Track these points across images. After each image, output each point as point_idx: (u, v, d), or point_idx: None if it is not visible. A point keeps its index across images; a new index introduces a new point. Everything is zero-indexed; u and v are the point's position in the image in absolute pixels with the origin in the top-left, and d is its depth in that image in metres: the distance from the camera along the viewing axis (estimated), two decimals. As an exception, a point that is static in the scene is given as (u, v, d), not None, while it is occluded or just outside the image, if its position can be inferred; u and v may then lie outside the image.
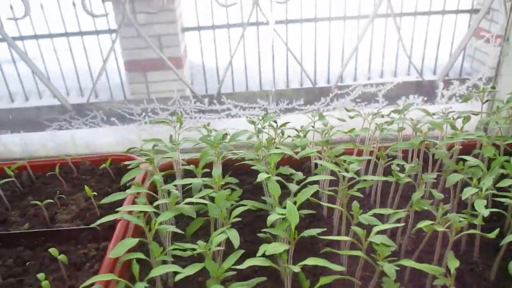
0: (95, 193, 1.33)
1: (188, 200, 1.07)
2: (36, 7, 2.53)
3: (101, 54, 3.01)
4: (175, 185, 1.16)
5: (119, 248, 0.90)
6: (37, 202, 1.31)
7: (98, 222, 1.04)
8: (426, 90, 2.16)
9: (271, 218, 0.96)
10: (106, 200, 1.11)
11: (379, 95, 2.11)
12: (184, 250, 0.94)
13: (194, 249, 0.94)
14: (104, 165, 1.52)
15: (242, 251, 0.96)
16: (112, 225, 1.28)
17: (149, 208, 1.03)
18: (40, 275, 1.02)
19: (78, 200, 1.43)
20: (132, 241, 0.92)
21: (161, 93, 3.08)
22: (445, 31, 2.92)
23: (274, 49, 2.61)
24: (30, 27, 2.79)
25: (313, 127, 1.48)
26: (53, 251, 1.10)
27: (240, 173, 1.50)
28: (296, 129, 1.46)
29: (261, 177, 1.09)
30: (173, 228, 0.99)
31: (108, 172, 1.58)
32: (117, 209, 1.06)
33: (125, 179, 1.18)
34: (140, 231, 1.30)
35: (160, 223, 0.99)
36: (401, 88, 2.18)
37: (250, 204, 1.12)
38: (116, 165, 1.60)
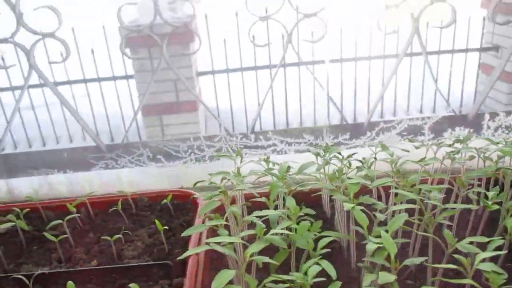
0: (165, 227, 1.31)
1: (273, 231, 1.05)
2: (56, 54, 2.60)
3: (118, 98, 3.06)
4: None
5: (220, 280, 0.86)
6: (107, 237, 1.29)
7: (184, 255, 1.01)
8: (472, 123, 2.15)
9: (370, 247, 0.92)
10: (186, 232, 1.09)
11: (425, 128, 2.10)
12: (283, 282, 0.90)
13: (292, 281, 0.91)
14: (165, 200, 1.51)
15: (339, 283, 0.93)
16: (181, 261, 1.25)
17: (237, 240, 1.01)
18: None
19: (142, 236, 1.40)
20: (230, 273, 0.89)
21: (178, 136, 3.12)
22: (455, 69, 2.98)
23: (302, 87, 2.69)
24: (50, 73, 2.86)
25: (375, 158, 1.47)
26: (133, 286, 1.07)
27: (309, 205, 1.47)
28: (360, 160, 1.44)
29: (347, 206, 1.07)
30: (266, 259, 0.96)
31: (168, 208, 1.56)
32: (206, 241, 1.02)
33: (202, 211, 1.16)
34: (216, 265, 1.27)
35: (251, 255, 0.96)
36: (443, 122, 2.18)
37: (334, 234, 1.09)
38: (173, 200, 1.59)
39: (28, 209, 1.47)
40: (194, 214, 1.51)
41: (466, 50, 2.94)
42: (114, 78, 3.15)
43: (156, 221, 1.30)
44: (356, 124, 2.28)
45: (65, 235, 1.33)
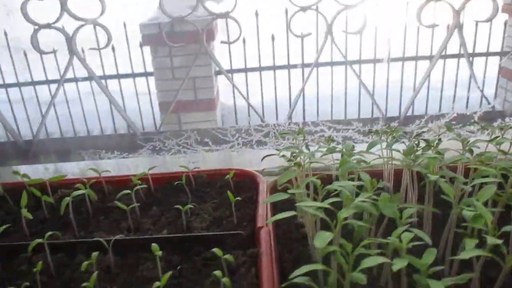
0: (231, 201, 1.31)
1: (358, 199, 1.04)
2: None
3: (136, 95, 3.08)
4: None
5: (322, 239, 0.86)
6: (178, 206, 1.29)
7: (273, 219, 1.01)
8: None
9: (468, 214, 0.92)
10: (268, 200, 1.09)
11: (475, 117, 2.09)
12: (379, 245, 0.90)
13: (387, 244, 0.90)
14: (228, 176, 1.51)
15: (435, 249, 0.92)
16: (250, 234, 1.25)
17: (324, 205, 1.00)
18: (218, 273, 0.99)
19: (206, 210, 1.40)
20: (328, 235, 0.89)
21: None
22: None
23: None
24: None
25: (439, 139, 1.46)
26: (217, 251, 1.08)
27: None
28: (425, 140, 1.43)
29: (432, 177, 1.06)
30: (360, 223, 0.96)
31: (227, 185, 1.56)
32: (296, 204, 1.02)
33: (282, 180, 1.15)
34: (284, 239, 1.27)
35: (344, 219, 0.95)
36: (485, 116, 2.17)
37: (418, 207, 1.08)
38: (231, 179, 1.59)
39: (94, 180, 1.48)
40: (255, 191, 1.51)
41: (487, 54, 2.93)
42: (134, 75, 3.17)
43: (229, 192, 1.30)
44: (395, 116, 2.30)
45: (137, 204, 1.34)
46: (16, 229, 1.36)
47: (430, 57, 2.82)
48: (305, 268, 0.83)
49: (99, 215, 1.43)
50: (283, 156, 1.31)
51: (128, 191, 1.38)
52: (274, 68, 2.94)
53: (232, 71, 3.06)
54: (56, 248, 1.19)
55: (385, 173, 1.50)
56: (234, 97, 3.08)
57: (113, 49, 2.89)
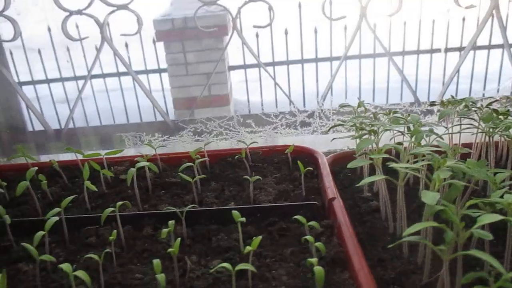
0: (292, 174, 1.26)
1: (448, 163, 0.99)
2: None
3: (150, 92, 3.02)
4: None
5: (430, 197, 0.81)
6: (247, 177, 1.25)
7: (364, 181, 0.96)
8: None
9: None
10: (353, 164, 1.04)
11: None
12: (484, 204, 0.85)
13: (496, 203, 0.85)
14: (287, 150, 1.47)
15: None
16: (320, 206, 1.21)
17: (417, 166, 0.95)
18: (309, 238, 0.94)
19: (268, 184, 1.35)
20: (436, 194, 0.83)
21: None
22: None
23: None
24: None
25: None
26: (300, 218, 1.03)
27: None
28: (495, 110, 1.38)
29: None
30: (460, 183, 0.91)
31: (284, 161, 1.52)
32: (394, 165, 0.97)
33: (360, 146, 1.10)
34: (354, 211, 1.22)
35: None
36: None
37: (509, 171, 1.03)
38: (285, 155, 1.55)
39: (149, 157, 1.44)
40: (314, 166, 1.46)
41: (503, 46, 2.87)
42: (147, 71, 3.12)
43: (300, 164, 1.26)
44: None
45: (202, 176, 1.29)
46: (74, 204, 1.33)
47: (460, 49, 2.77)
48: (418, 226, 0.78)
49: (158, 190, 1.39)
50: (354, 125, 1.26)
51: (190, 164, 1.33)
52: (302, 61, 2.89)
53: (245, 66, 3.01)
54: (122, 221, 1.15)
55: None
56: (247, 92, 3.03)
57: (126, 45, 2.86)
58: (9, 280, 1.01)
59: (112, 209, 1.07)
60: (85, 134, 2.66)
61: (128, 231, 1.16)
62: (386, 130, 1.20)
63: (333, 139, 1.45)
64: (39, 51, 3.02)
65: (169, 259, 1.05)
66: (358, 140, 1.28)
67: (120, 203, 1.10)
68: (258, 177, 1.26)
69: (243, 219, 1.02)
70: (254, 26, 2.79)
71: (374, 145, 1.18)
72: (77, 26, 2.47)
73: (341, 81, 2.88)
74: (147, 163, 1.28)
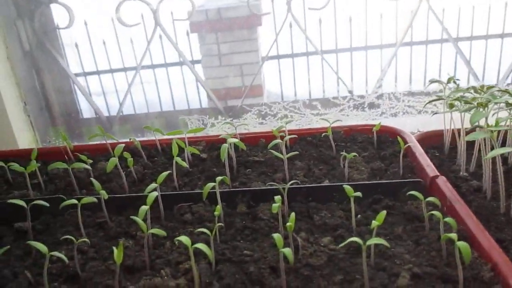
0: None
1: None
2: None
3: (184, 83, 2.96)
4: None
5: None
6: (344, 153, 1.19)
7: (493, 153, 0.88)
8: None
9: None
10: (471, 137, 0.97)
11: None
12: None
13: None
14: (374, 128, 1.40)
15: None
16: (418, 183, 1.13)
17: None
18: (436, 213, 0.87)
19: (358, 163, 1.29)
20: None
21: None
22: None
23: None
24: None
25: None
26: (418, 195, 0.96)
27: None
28: None
29: None
30: None
31: (369, 140, 1.45)
32: None
33: (474, 118, 1.02)
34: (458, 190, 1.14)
35: None
36: None
37: None
38: (367, 135, 1.48)
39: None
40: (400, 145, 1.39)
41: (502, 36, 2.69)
42: (181, 63, 3.07)
43: (399, 139, 1.19)
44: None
45: (295, 152, 1.24)
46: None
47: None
48: None
49: (242, 168, 1.34)
50: (457, 99, 1.18)
51: (278, 141, 1.28)
52: (351, 50, 2.78)
53: (279, 56, 2.92)
54: (215, 199, 1.11)
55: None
56: (281, 83, 2.92)
57: (160, 37, 2.83)
58: (112, 256, 0.99)
59: (213, 184, 1.03)
60: (137, 120, 2.64)
61: (222, 209, 1.11)
62: (497, 102, 1.11)
63: (434, 113, 1.36)
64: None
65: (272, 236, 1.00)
66: (447, 116, 1.21)
67: (219, 178, 1.05)
68: (354, 153, 1.20)
69: (359, 193, 0.96)
70: (310, 9, 2.70)
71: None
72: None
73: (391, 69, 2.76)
74: (236, 140, 1.23)
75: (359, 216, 1.04)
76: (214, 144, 1.51)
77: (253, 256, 0.92)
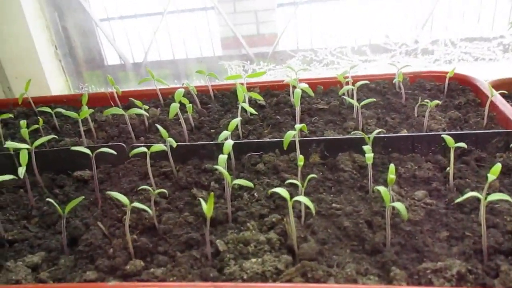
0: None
1: None
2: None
3: (196, 30, 2.77)
4: None
5: None
6: (426, 102, 1.10)
7: None
8: None
9: None
10: None
11: None
12: None
13: None
14: (448, 74, 1.29)
15: None
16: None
17: None
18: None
19: (433, 111, 1.20)
20: None
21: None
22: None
23: None
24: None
25: None
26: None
27: None
28: None
29: None
30: None
31: (437, 87, 1.35)
32: None
33: None
34: None
35: None
36: None
37: None
38: (432, 82, 1.38)
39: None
40: (475, 94, 1.29)
41: None
42: (193, 10, 2.87)
43: (489, 86, 1.08)
44: None
45: (371, 99, 1.15)
46: (217, 130, 1.22)
47: None
48: None
49: (306, 116, 1.25)
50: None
51: (350, 87, 1.19)
52: None
53: (296, 3, 2.72)
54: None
55: None
56: (297, 32, 2.74)
57: None
58: (188, 206, 0.93)
59: (294, 132, 0.94)
60: (164, 66, 2.52)
61: (292, 159, 1.04)
62: None
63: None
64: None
65: (359, 188, 0.93)
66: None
67: (298, 126, 0.97)
68: (437, 101, 1.10)
69: (463, 144, 0.87)
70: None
71: None
72: None
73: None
74: (305, 85, 1.13)
75: (448, 169, 0.96)
76: (269, 90, 1.42)
77: (344, 210, 0.85)
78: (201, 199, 0.78)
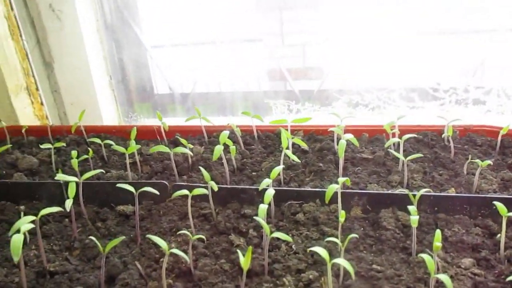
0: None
1: None
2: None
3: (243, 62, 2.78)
4: None
5: None
6: (475, 160, 1.06)
7: None
8: None
9: None
10: None
11: None
12: None
13: None
14: (502, 131, 1.24)
15: None
16: None
17: None
18: None
19: (484, 170, 1.14)
20: None
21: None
22: None
23: None
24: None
25: None
26: None
27: None
28: None
29: None
30: None
31: (488, 143, 1.30)
32: None
33: None
34: None
35: None
36: None
37: None
38: (483, 137, 1.33)
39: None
40: (530, 153, 1.23)
41: None
42: (240, 40, 2.90)
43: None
44: None
45: (418, 155, 1.12)
46: (259, 173, 1.22)
47: None
48: None
49: (350, 165, 1.23)
50: None
51: (397, 139, 1.16)
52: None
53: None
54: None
55: None
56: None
57: None
58: (225, 253, 0.92)
59: (337, 186, 0.93)
60: (210, 98, 2.58)
61: (333, 212, 1.02)
62: None
63: None
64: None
65: (401, 250, 0.90)
66: None
67: (342, 179, 0.95)
68: (489, 161, 1.06)
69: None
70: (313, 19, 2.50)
71: None
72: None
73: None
74: (351, 136, 1.12)
75: (498, 235, 0.91)
76: (313, 134, 1.42)
77: (385, 273, 0.82)
78: (238, 251, 0.78)
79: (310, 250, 0.74)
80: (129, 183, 1.02)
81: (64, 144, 1.42)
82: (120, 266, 0.91)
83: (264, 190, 1.00)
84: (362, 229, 0.97)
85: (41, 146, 1.31)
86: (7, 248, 1.02)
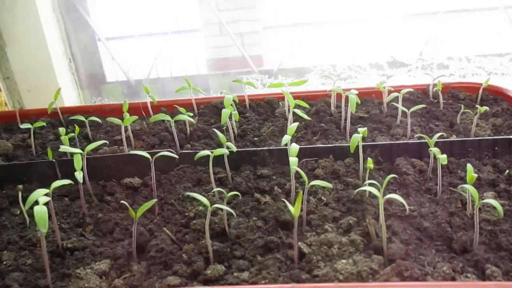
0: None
1: None
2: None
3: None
4: None
5: None
6: (468, 110, 1.11)
7: None
8: None
9: None
10: None
11: None
12: None
13: None
14: (483, 85, 1.31)
15: None
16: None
17: None
18: None
19: (472, 119, 1.22)
20: None
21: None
22: None
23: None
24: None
25: None
26: None
27: None
28: None
29: None
30: None
31: (469, 98, 1.38)
32: None
33: None
34: None
35: None
36: None
37: None
38: (463, 92, 1.41)
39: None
40: (508, 103, 1.33)
41: None
42: (179, 32, 2.92)
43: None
44: None
45: (421, 105, 1.16)
46: (268, 136, 1.20)
47: None
48: None
49: (349, 124, 1.25)
50: None
51: (397, 94, 1.20)
52: None
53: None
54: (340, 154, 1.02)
55: None
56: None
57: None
58: (254, 211, 0.90)
59: (359, 135, 0.94)
60: (165, 83, 2.51)
61: (348, 165, 1.04)
62: None
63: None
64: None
65: (425, 191, 0.93)
66: None
67: (362, 129, 0.96)
68: (486, 107, 1.12)
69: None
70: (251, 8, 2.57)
71: None
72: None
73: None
74: (356, 92, 1.14)
75: (507, 171, 0.97)
76: (303, 99, 1.42)
77: (420, 211, 0.84)
78: (285, 200, 0.76)
79: (357, 191, 0.74)
80: (150, 153, 0.97)
81: (45, 124, 1.31)
82: (146, 235, 0.85)
83: (274, 151, 1.00)
84: (380, 178, 0.99)
85: (21, 126, 1.20)
86: (5, 233, 0.93)
